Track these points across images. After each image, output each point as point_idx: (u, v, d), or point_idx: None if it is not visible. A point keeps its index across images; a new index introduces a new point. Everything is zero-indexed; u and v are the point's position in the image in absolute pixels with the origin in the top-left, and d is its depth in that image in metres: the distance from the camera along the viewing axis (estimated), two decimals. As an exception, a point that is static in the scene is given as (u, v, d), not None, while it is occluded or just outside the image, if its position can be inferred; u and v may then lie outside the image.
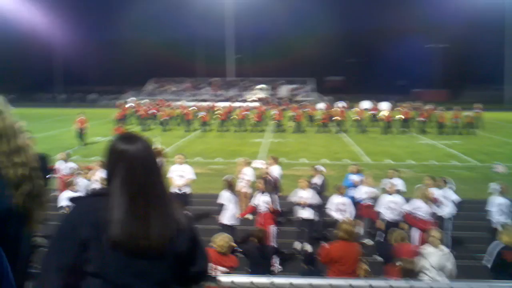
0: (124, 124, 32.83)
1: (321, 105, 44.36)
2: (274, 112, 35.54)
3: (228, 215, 10.24)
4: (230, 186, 10.57)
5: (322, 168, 12.80)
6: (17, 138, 2.17)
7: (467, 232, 11.17)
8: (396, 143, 27.22)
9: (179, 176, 12.00)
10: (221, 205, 10.30)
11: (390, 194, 10.39)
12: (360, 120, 33.47)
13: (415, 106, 39.21)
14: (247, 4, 74.62)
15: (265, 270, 7.66)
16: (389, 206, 10.25)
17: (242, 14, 74.43)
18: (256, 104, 48.06)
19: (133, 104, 41.90)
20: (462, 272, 7.49)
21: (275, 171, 13.13)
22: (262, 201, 10.27)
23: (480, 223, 10.84)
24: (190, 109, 35.39)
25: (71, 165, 13.42)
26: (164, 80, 72.52)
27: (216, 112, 35.95)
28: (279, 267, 9.35)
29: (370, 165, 20.01)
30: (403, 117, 33.50)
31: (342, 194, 10.61)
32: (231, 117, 34.72)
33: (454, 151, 24.54)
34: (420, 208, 9.49)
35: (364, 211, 11.09)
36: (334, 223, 10.10)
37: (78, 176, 11.32)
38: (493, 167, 19.31)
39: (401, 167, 19.31)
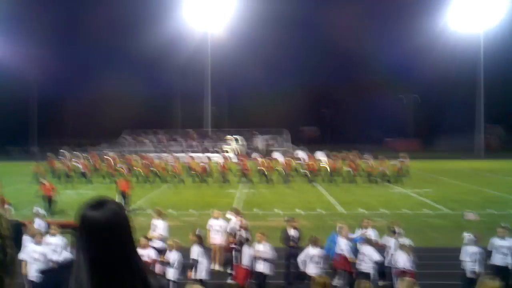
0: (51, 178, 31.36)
1: (277, 155, 44.16)
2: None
3: (199, 270, 10.04)
4: (200, 240, 10.40)
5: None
6: None
7: (440, 282, 11.10)
8: (369, 192, 27.39)
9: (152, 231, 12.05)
10: (195, 260, 10.10)
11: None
12: (286, 170, 33.45)
13: (343, 156, 39.57)
14: (222, 57, 76.02)
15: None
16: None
17: (217, 67, 75.62)
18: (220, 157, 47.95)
19: (63, 157, 41.20)
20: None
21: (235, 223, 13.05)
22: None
23: (453, 271, 10.80)
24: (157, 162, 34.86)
25: (41, 223, 12.91)
26: (139, 133, 72.31)
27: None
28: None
29: (344, 215, 20.00)
30: (326, 167, 34.12)
31: (317, 246, 10.49)
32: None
33: (426, 199, 24.77)
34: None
35: (341, 263, 11.00)
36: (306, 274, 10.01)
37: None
38: (464, 215, 19.51)
39: (374, 216, 19.37)
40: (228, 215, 14.80)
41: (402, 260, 9.89)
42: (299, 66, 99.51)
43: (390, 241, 10.92)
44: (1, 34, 69.26)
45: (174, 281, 9.93)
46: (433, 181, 33.51)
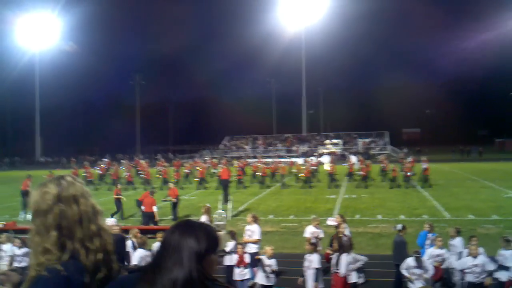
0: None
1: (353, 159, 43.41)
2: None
3: (321, 279, 9.98)
4: (316, 248, 10.28)
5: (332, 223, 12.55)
6: (92, 223, 2.16)
7: None
8: (479, 197, 25.72)
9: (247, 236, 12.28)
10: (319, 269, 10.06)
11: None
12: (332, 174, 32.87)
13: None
14: (318, 58, 75.93)
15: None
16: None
17: (313, 69, 75.53)
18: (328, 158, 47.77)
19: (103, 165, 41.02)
20: None
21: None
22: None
23: None
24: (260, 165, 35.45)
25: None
26: (238, 138, 73.93)
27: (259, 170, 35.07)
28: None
29: (450, 221, 18.94)
30: (362, 173, 32.71)
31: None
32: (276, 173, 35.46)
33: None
34: None
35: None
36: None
37: None
38: None
39: (486, 223, 18.22)
40: (329, 222, 14.61)
41: None
42: (397, 64, 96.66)
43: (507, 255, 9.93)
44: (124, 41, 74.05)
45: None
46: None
